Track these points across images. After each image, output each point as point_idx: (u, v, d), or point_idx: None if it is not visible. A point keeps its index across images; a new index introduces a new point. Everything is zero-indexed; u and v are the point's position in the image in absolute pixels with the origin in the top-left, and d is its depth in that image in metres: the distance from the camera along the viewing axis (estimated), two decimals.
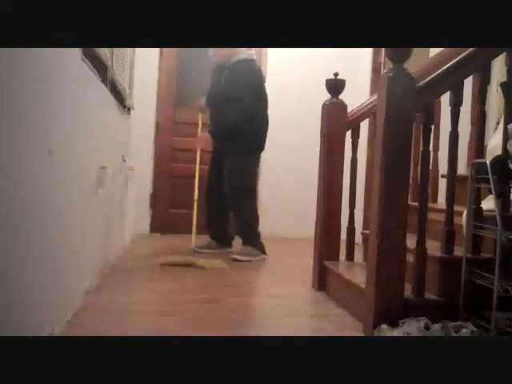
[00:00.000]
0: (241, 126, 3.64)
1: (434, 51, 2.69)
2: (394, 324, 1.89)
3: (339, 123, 2.85)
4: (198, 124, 4.05)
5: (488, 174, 1.88)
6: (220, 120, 3.70)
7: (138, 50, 4.01)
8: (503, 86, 2.23)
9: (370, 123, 3.06)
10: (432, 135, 2.18)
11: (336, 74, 2.85)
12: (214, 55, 3.79)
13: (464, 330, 1.81)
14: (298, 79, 4.50)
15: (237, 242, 3.89)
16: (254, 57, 3.83)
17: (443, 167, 2.34)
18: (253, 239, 3.72)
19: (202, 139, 3.93)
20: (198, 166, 3.98)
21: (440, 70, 2.08)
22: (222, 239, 3.88)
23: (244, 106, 3.62)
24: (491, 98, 3.50)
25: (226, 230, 3.91)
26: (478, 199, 2.10)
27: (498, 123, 2.91)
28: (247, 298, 2.58)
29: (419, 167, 2.18)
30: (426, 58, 2.69)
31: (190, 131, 4.77)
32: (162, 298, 2.51)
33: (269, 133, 3.83)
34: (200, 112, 4.01)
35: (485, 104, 2.18)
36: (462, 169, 2.77)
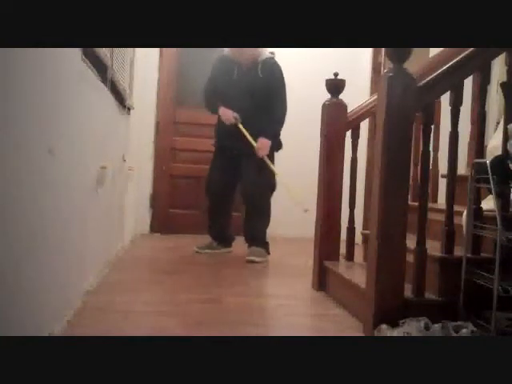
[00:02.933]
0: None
1: (433, 51, 2.69)
2: (394, 324, 1.89)
3: (339, 123, 2.85)
4: (240, 130, 3.60)
5: (488, 174, 1.88)
6: (271, 118, 3.61)
7: (137, 49, 4.00)
8: (503, 85, 2.23)
9: (370, 123, 3.06)
10: (432, 135, 2.18)
11: (336, 74, 2.85)
12: (231, 54, 3.62)
13: (464, 330, 1.81)
14: (297, 79, 4.49)
15: (237, 242, 3.89)
16: None
17: (443, 167, 2.34)
18: (265, 239, 3.72)
19: (266, 145, 3.60)
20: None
21: (440, 70, 2.08)
22: (223, 239, 3.88)
23: (285, 104, 3.67)
24: (491, 98, 3.51)
25: (227, 230, 3.90)
26: (478, 199, 2.10)
27: (498, 123, 2.90)
28: (247, 298, 2.57)
29: (419, 167, 2.19)
30: (426, 58, 2.69)
31: (190, 131, 4.79)
32: (162, 298, 2.51)
33: None
34: (238, 123, 3.60)
35: (485, 104, 2.18)
36: (462, 169, 2.77)
